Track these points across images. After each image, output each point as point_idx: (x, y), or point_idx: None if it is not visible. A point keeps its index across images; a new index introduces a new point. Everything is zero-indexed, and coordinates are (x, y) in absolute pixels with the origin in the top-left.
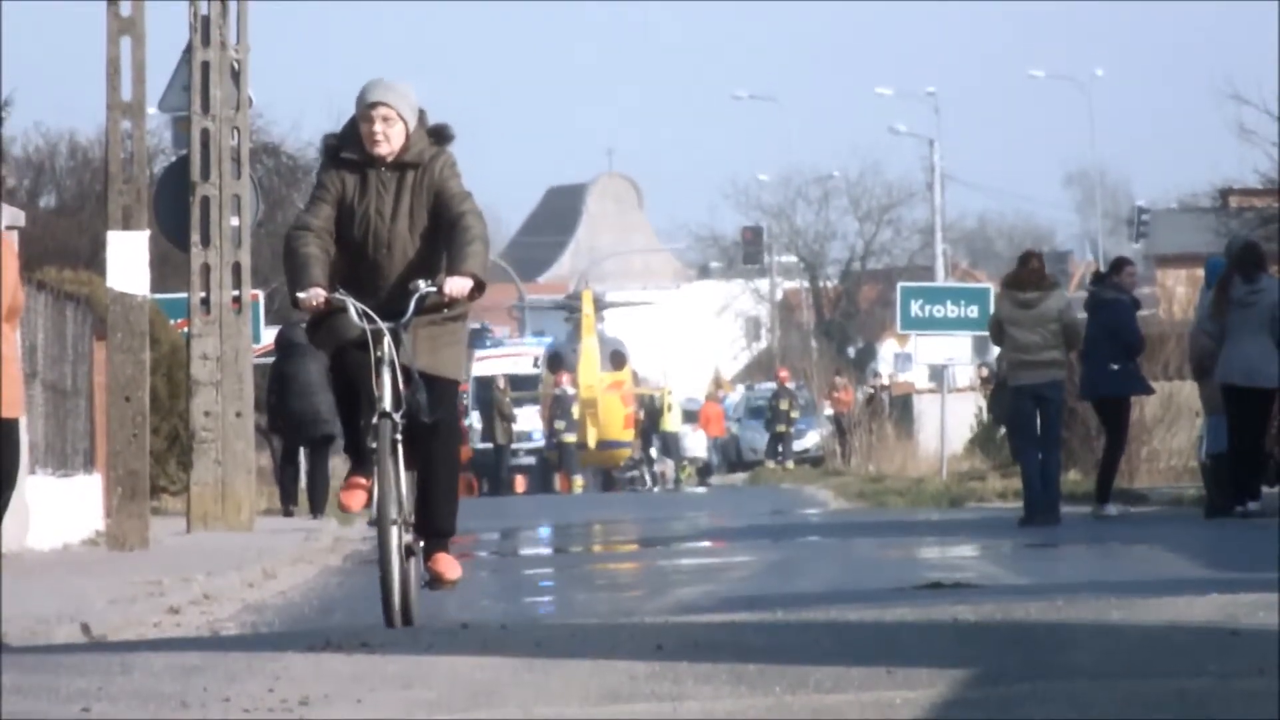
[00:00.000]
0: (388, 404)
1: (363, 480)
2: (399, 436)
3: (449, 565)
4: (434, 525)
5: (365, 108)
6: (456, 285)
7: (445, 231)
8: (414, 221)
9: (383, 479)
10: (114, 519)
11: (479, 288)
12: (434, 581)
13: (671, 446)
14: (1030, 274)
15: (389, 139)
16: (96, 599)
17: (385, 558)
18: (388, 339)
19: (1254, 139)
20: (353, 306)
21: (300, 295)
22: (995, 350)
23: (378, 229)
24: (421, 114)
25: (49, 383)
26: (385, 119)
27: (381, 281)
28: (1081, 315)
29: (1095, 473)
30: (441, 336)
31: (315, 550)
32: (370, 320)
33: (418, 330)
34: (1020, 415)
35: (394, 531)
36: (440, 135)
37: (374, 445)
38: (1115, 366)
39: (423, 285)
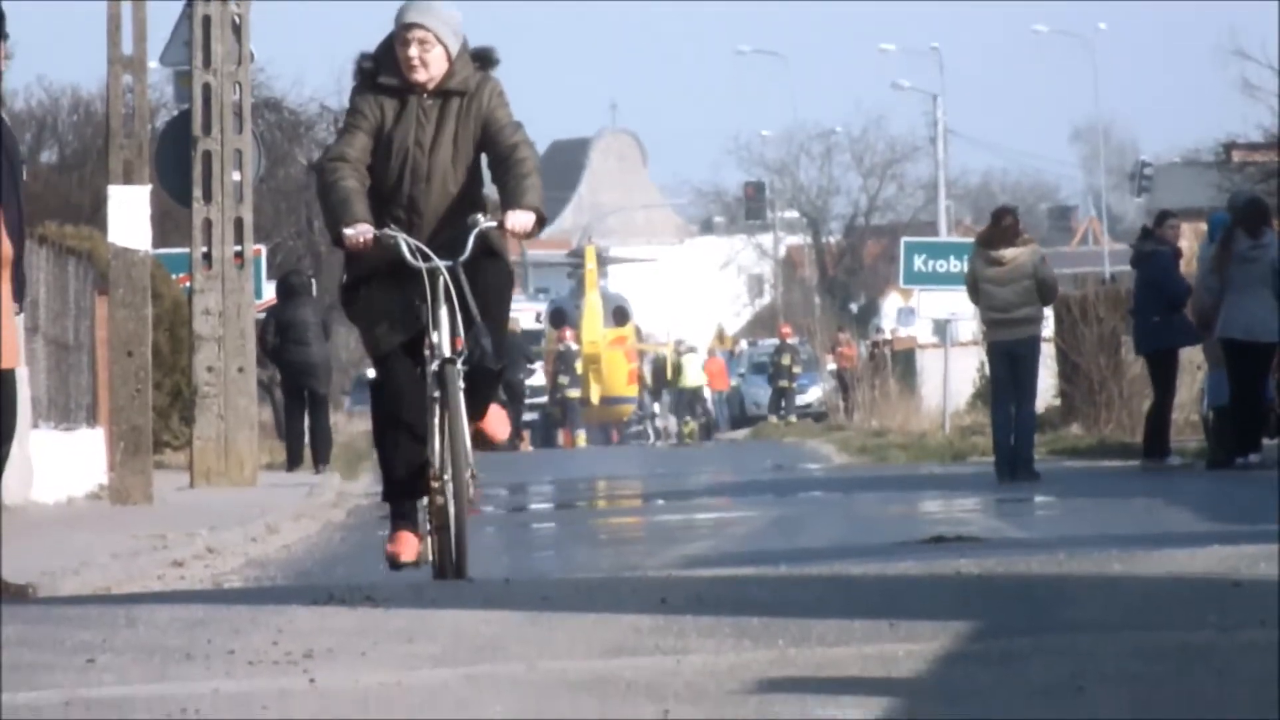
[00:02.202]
0: (447, 348)
1: (410, 535)
2: (463, 385)
3: (496, 424)
4: (482, 384)
5: (401, 29)
6: (520, 220)
7: (497, 163)
8: (457, 153)
9: (455, 429)
10: (117, 474)
11: (540, 223)
12: (481, 441)
13: (696, 404)
14: (1004, 231)
15: (426, 65)
16: (100, 552)
17: (459, 521)
18: (445, 277)
19: (1257, 94)
20: (404, 243)
21: (347, 232)
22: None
23: (416, 161)
24: (464, 37)
25: (51, 337)
26: (422, 43)
27: (419, 218)
28: (1059, 270)
29: (1145, 427)
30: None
31: (318, 505)
32: (425, 258)
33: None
34: (994, 373)
35: (457, 490)
36: (486, 59)
37: (437, 394)
38: (1159, 319)
39: (481, 219)
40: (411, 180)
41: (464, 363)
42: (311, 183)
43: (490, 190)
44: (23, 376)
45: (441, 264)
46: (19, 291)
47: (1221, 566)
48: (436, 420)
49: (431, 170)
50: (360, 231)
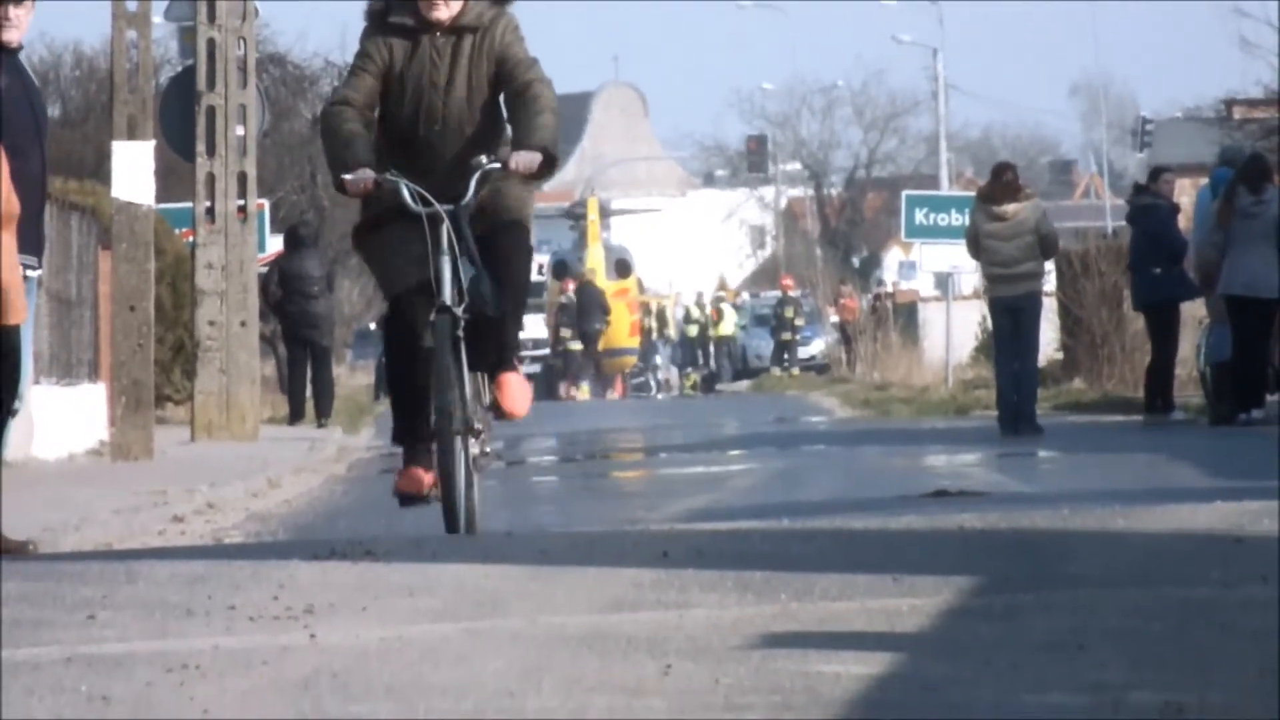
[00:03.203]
0: (448, 295)
1: (421, 471)
2: (460, 334)
3: (516, 397)
4: (500, 347)
5: None
6: (525, 160)
7: (510, 101)
8: (472, 93)
9: (442, 382)
10: (118, 429)
11: (550, 164)
12: (499, 413)
13: (734, 354)
14: (1004, 186)
15: (446, 0)
16: (101, 508)
17: (449, 476)
18: (447, 223)
19: (1256, 51)
20: (406, 189)
21: (347, 178)
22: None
23: (431, 102)
24: None
25: (54, 292)
26: None
27: (435, 162)
28: (1060, 224)
29: (1145, 382)
30: (509, 191)
31: (320, 459)
32: (426, 204)
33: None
34: (996, 328)
35: (458, 445)
36: None
37: (431, 344)
38: (1159, 272)
39: (485, 161)
40: (426, 122)
41: (464, 310)
42: (316, 137)
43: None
44: (27, 333)
45: (441, 208)
46: (38, 247)
47: (1224, 523)
48: (434, 372)
49: (446, 112)
50: (361, 177)
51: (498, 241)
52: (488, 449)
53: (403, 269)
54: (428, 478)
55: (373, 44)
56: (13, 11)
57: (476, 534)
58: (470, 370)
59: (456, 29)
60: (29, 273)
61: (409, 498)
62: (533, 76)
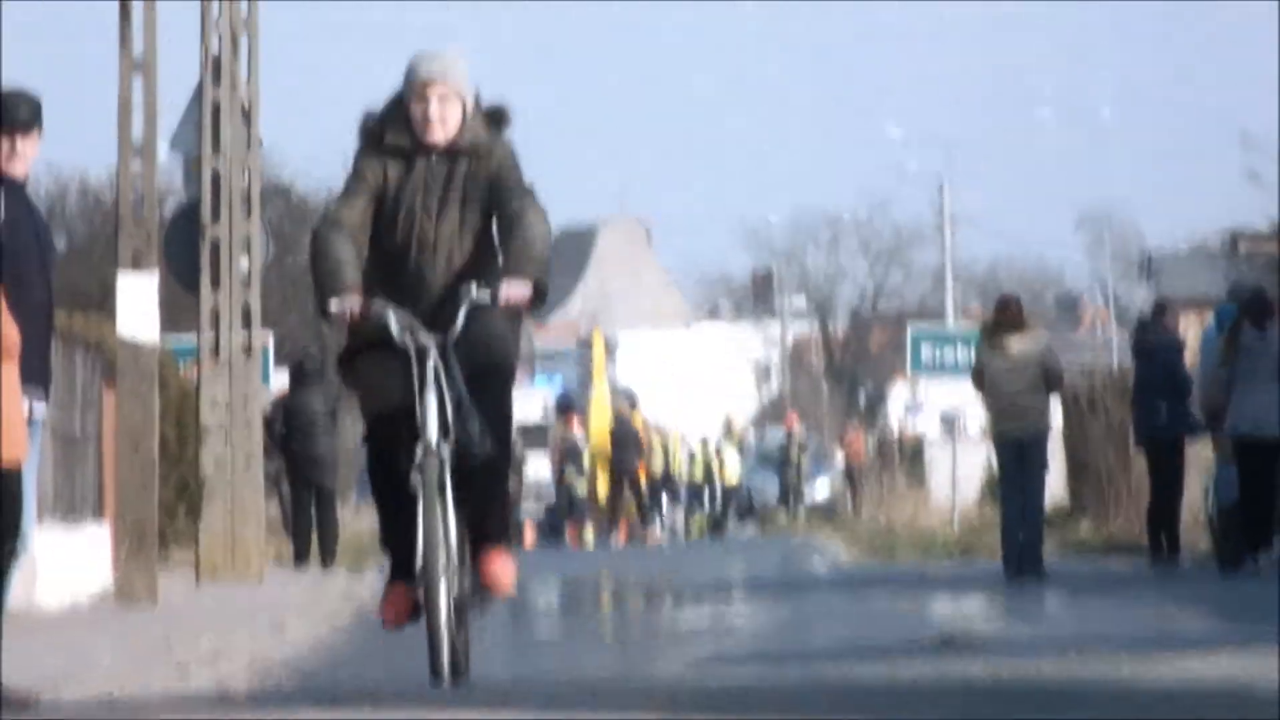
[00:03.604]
0: (433, 434)
1: (407, 591)
2: (447, 475)
3: (500, 573)
4: (482, 519)
5: (419, 85)
6: (515, 290)
7: (503, 229)
8: (465, 219)
9: (429, 526)
10: (122, 570)
11: (540, 295)
12: (483, 593)
13: (741, 500)
14: (1009, 319)
15: (445, 123)
16: (104, 656)
17: (434, 622)
18: (434, 356)
19: (1262, 184)
20: (393, 317)
21: (331, 304)
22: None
23: (423, 227)
24: (476, 93)
25: (57, 429)
26: (442, 99)
27: (425, 288)
28: (1066, 358)
29: (1147, 525)
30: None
31: (325, 602)
32: (414, 334)
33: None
34: (1002, 465)
35: (443, 587)
36: (499, 118)
37: (418, 486)
38: (1164, 408)
39: (474, 291)
40: (418, 248)
41: (451, 446)
42: None
43: None
44: (30, 473)
45: (429, 340)
46: (45, 382)
47: (1233, 670)
48: (420, 514)
49: (439, 239)
50: (347, 303)
51: (484, 379)
52: (470, 590)
53: (386, 392)
54: (408, 599)
55: (367, 164)
56: (19, 144)
57: (469, 679)
58: (456, 511)
59: (452, 152)
60: (37, 407)
61: (393, 620)
62: (526, 204)
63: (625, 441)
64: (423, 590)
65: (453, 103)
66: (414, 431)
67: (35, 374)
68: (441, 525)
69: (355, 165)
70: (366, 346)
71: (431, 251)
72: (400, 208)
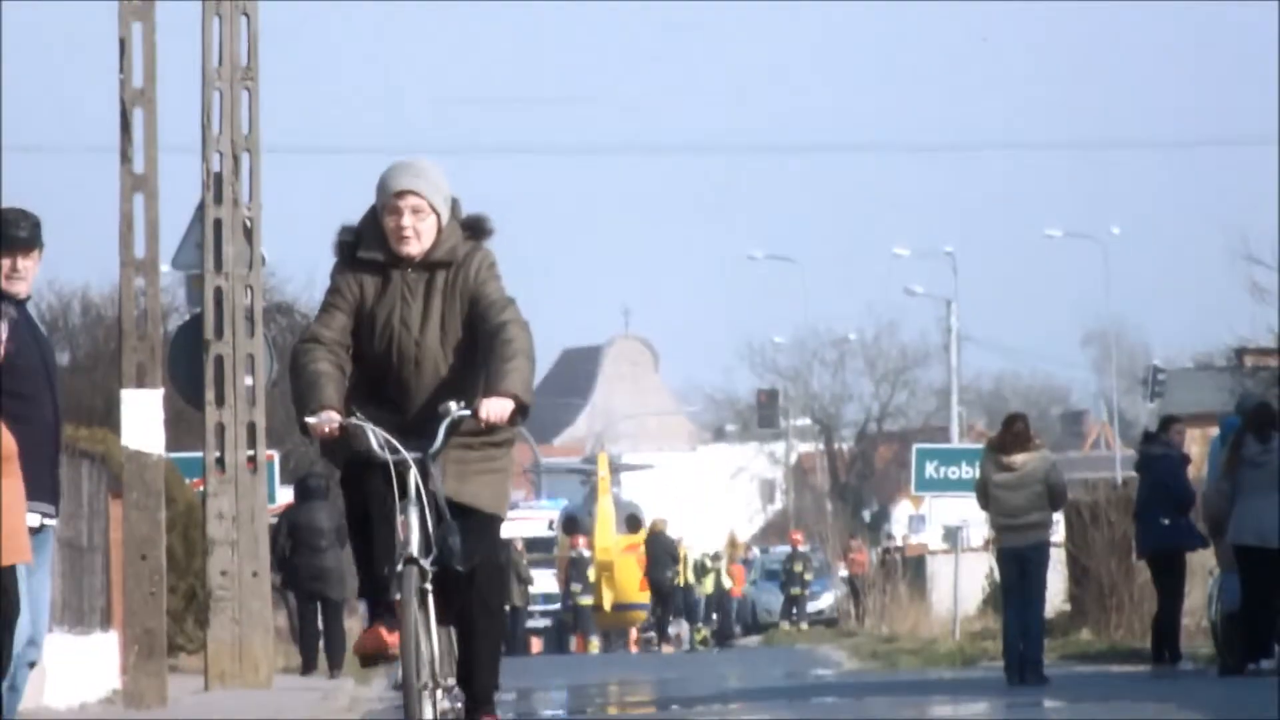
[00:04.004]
0: (415, 549)
1: (384, 630)
2: (429, 586)
3: None
4: (473, 687)
5: (391, 197)
6: (496, 408)
7: (483, 343)
8: (446, 332)
9: (405, 637)
10: (131, 677)
11: (522, 411)
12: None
13: (745, 612)
14: (1015, 436)
15: (419, 235)
16: None
17: None
18: (414, 472)
19: (1268, 298)
20: (372, 435)
21: (310, 420)
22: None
23: (403, 341)
24: (455, 203)
25: (65, 539)
26: (415, 210)
27: (407, 403)
28: (1070, 475)
29: (1151, 633)
30: (474, 462)
31: (332, 710)
32: (394, 450)
33: (446, 453)
34: (1004, 577)
35: (425, 699)
36: (477, 229)
37: (398, 596)
38: (1167, 521)
39: (454, 408)
40: (399, 362)
41: (432, 562)
42: None
43: None
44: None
45: (409, 456)
46: (54, 496)
47: None
48: (403, 625)
49: (420, 352)
50: (325, 420)
51: (469, 486)
52: (458, 703)
53: (359, 447)
54: (391, 636)
55: (343, 279)
56: (20, 263)
57: None
58: (440, 624)
59: (429, 265)
60: (46, 521)
61: (370, 659)
62: (507, 318)
63: (660, 555)
64: (403, 700)
65: (426, 214)
66: (385, 473)
67: (45, 491)
68: (421, 636)
69: (332, 281)
70: (359, 466)
71: (414, 365)
72: (379, 322)
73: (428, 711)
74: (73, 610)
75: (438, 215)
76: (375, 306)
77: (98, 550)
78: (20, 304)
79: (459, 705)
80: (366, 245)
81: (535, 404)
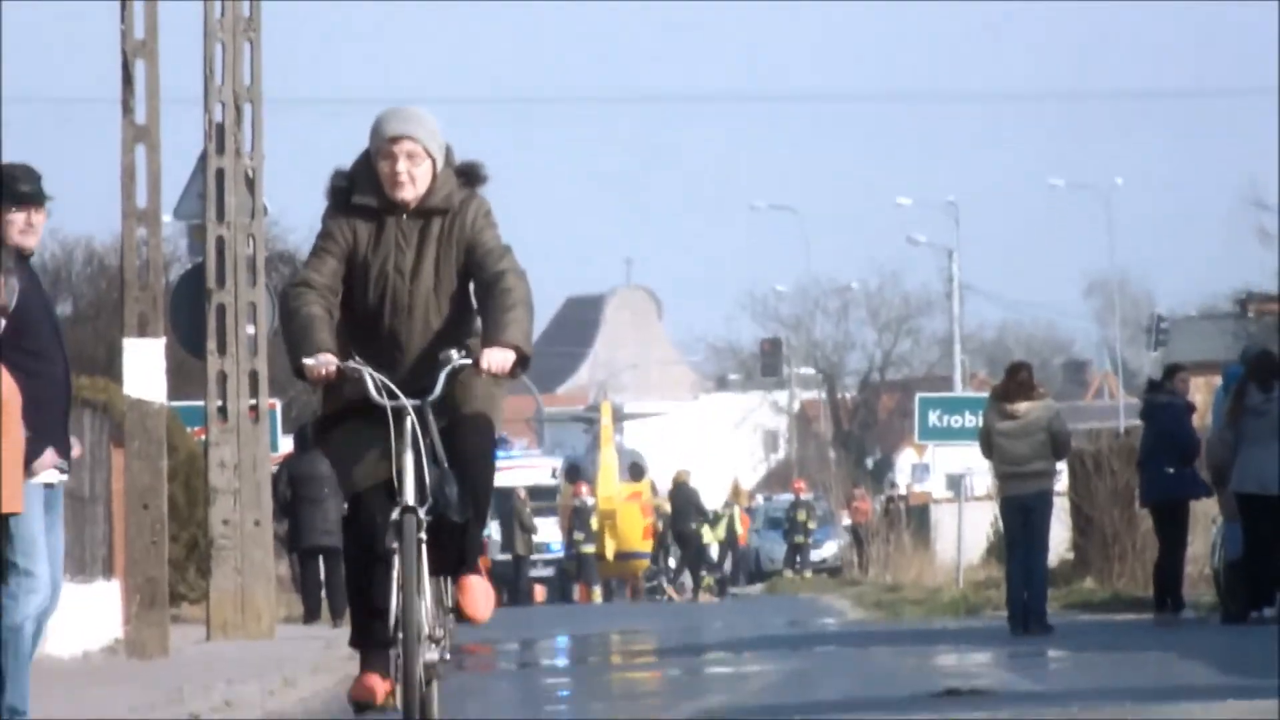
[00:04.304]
0: (410, 496)
1: (377, 679)
2: (424, 536)
3: (479, 601)
4: (461, 546)
5: (385, 142)
6: (497, 359)
7: (480, 293)
8: (440, 281)
9: (407, 585)
10: (133, 626)
11: (522, 361)
12: (461, 616)
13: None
14: (1018, 385)
15: (414, 180)
16: (117, 707)
17: (410, 681)
18: (412, 418)
19: (1273, 243)
20: (370, 378)
21: (307, 362)
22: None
23: (396, 290)
24: (449, 150)
25: (67, 490)
26: (410, 155)
27: (399, 354)
28: (1073, 425)
29: (1154, 582)
30: (474, 386)
31: (335, 658)
32: (392, 396)
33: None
34: (1007, 527)
35: (421, 650)
36: (472, 175)
37: (395, 546)
38: (1171, 470)
39: (455, 356)
40: (392, 311)
41: (427, 512)
42: None
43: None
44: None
45: (408, 403)
46: (68, 450)
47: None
48: (395, 573)
49: (413, 300)
50: (322, 362)
51: (463, 442)
52: (447, 656)
53: (364, 466)
54: (383, 686)
55: (335, 224)
56: (34, 218)
57: None
58: (431, 575)
59: (424, 211)
60: (58, 476)
61: (362, 705)
62: (505, 267)
63: (684, 507)
64: (399, 654)
65: (421, 160)
66: (391, 506)
67: (59, 441)
68: (418, 585)
69: (324, 225)
70: (343, 415)
71: (407, 314)
72: (372, 269)
73: (420, 659)
74: (75, 559)
75: (433, 161)
76: (368, 253)
77: (99, 500)
78: (25, 259)
79: (446, 656)
80: (360, 190)
81: (534, 355)
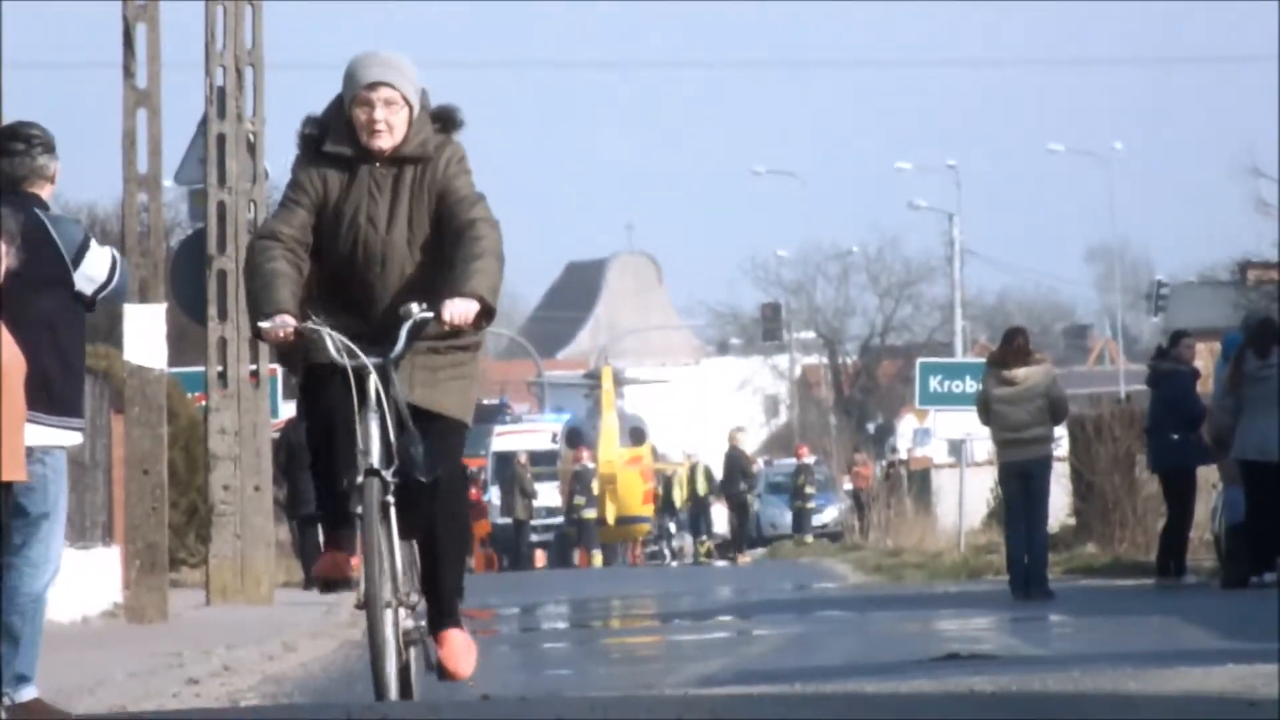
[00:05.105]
0: (375, 459)
1: (344, 556)
2: (390, 499)
3: (460, 657)
4: (439, 602)
5: (361, 88)
6: (459, 310)
7: (451, 241)
8: (414, 230)
9: (369, 551)
10: (133, 591)
11: (487, 313)
12: (443, 674)
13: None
14: (1015, 351)
15: (391, 128)
16: (116, 671)
17: (377, 648)
18: (374, 378)
19: (1272, 212)
20: (329, 339)
21: (263, 325)
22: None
23: (369, 239)
24: (424, 94)
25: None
26: (388, 103)
27: (372, 306)
28: (1074, 391)
29: (1159, 546)
30: (443, 368)
31: (335, 624)
32: (352, 355)
33: (414, 359)
34: (1006, 493)
35: (387, 616)
36: (448, 121)
37: (359, 510)
38: (1177, 437)
39: (415, 310)
40: (365, 261)
41: (393, 474)
42: None
43: None
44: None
45: (369, 361)
46: (77, 410)
47: (1236, 685)
48: (358, 539)
49: (387, 250)
50: (279, 324)
51: (435, 506)
52: (421, 621)
53: (316, 357)
54: (350, 561)
55: (305, 174)
56: (52, 166)
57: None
58: (402, 539)
59: (398, 159)
60: (71, 436)
61: (330, 582)
62: (476, 215)
63: (733, 471)
64: (366, 616)
65: (399, 107)
66: (346, 402)
67: (73, 407)
68: (383, 551)
69: (293, 175)
70: (320, 374)
71: (380, 264)
72: (344, 219)
73: (389, 630)
74: (74, 525)
75: (410, 108)
76: (340, 203)
77: (99, 466)
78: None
79: (422, 624)
80: (334, 138)
81: (498, 308)
